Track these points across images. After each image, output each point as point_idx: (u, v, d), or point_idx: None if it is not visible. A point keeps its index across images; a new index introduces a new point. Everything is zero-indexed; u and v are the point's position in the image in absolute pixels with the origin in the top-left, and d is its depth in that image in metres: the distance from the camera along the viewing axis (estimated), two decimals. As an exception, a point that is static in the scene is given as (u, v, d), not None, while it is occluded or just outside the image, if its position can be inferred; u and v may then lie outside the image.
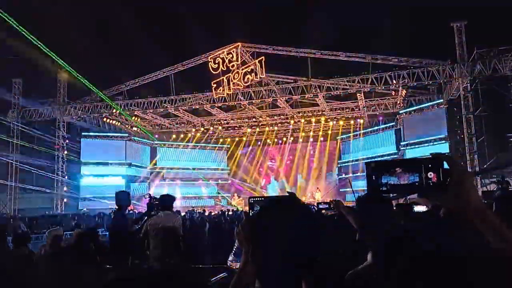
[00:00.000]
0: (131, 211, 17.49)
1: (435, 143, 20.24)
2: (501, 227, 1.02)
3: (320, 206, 4.85)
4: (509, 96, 17.73)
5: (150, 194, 6.25)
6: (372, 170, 1.15)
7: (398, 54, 19.12)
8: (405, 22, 22.13)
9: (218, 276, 3.59)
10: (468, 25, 17.84)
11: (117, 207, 6.17)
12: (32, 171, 22.46)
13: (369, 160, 1.21)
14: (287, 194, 1.37)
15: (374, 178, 1.14)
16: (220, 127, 27.23)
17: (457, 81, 17.98)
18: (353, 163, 26.33)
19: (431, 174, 1.08)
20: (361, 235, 2.99)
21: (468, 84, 17.91)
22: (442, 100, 20.22)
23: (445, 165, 1.08)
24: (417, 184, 1.10)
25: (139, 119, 25.24)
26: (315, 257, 1.16)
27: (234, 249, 2.70)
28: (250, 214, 1.84)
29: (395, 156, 22.87)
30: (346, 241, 3.24)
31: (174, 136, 28.92)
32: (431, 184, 1.08)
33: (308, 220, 1.21)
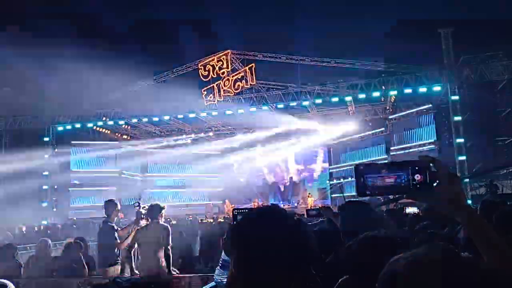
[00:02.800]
0: (122, 219, 17.35)
1: (424, 147, 20.42)
2: (487, 230, 1.04)
3: (310, 213, 4.85)
4: (496, 100, 17.99)
5: (139, 203, 6.22)
6: (360, 172, 1.17)
7: (386, 60, 19.35)
8: (394, 29, 22.41)
9: (206, 286, 3.57)
10: (454, 33, 18.10)
11: (106, 216, 6.14)
12: (21, 180, 22.16)
13: (358, 162, 1.24)
14: (271, 205, 1.38)
15: (362, 180, 1.16)
16: (211, 134, 27.19)
17: (445, 86, 18.20)
18: (344, 168, 26.44)
19: (417, 176, 1.11)
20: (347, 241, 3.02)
21: (456, 89, 18.13)
22: (430, 106, 20.43)
23: (433, 168, 1.10)
24: (402, 185, 1.12)
25: (129, 127, 25.10)
26: (299, 265, 1.17)
27: (220, 262, 2.67)
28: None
29: (385, 161, 23.02)
30: (333, 249, 3.25)
31: (164, 143, 28.77)
32: (417, 185, 1.11)
33: (292, 228, 1.22)
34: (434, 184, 1.09)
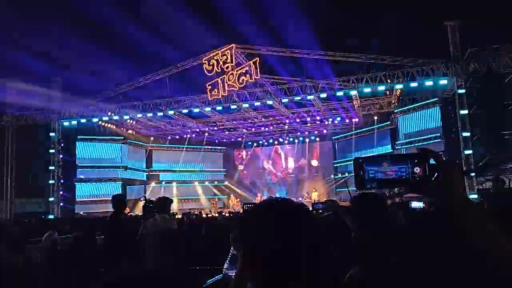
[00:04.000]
0: (129, 214, 17.47)
1: (430, 141, 20.33)
2: (484, 224, 1.04)
3: (316, 207, 4.86)
4: (504, 93, 17.82)
5: (145, 197, 6.24)
6: (359, 165, 1.17)
7: (392, 53, 19.20)
8: (399, 22, 22.23)
9: (213, 279, 3.59)
10: (461, 24, 17.93)
11: (113, 211, 6.16)
12: (27, 175, 22.35)
13: (357, 156, 1.24)
14: (279, 197, 1.37)
15: (362, 173, 1.16)
16: (215, 129, 27.21)
17: (451, 79, 18.07)
18: (349, 163, 26.39)
19: (417, 169, 1.11)
20: (356, 235, 3.00)
21: (462, 83, 18.00)
22: (436, 99, 20.31)
23: (432, 161, 1.10)
24: (402, 178, 1.12)
25: (134, 122, 25.19)
26: (309, 257, 1.16)
27: (229, 257, 2.68)
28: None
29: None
30: (340, 242, 3.25)
31: (169, 138, 28.87)
32: (417, 178, 1.11)
33: (302, 220, 1.21)
34: (433, 177, 1.09)
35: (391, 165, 1.14)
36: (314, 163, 28.72)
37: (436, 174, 1.08)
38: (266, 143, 29.76)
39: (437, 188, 1.07)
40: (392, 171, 1.14)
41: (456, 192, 1.06)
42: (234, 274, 1.56)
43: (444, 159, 1.11)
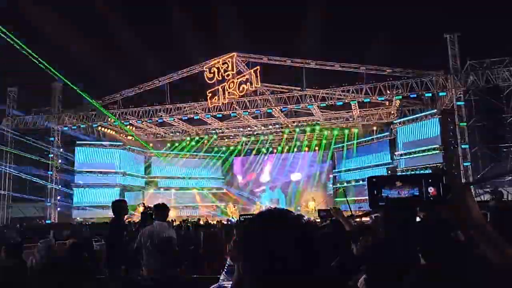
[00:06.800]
0: (127, 220, 17.38)
1: (429, 152, 20.33)
2: (499, 241, 1.05)
3: (321, 214, 4.81)
4: (502, 106, 17.90)
5: (144, 204, 6.21)
6: (373, 184, 1.17)
7: (392, 64, 19.30)
8: (399, 33, 22.37)
9: (211, 287, 3.57)
10: (461, 37, 18.07)
11: (114, 216, 6.09)
12: (25, 180, 22.30)
13: (371, 175, 1.24)
14: (276, 208, 1.37)
15: (375, 192, 1.16)
16: (215, 136, 27.21)
17: (451, 91, 18.15)
18: (348, 172, 26.36)
19: (431, 189, 1.11)
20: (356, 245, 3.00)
21: (461, 95, 18.08)
22: (435, 110, 20.36)
23: (445, 181, 1.11)
24: (416, 198, 1.13)
25: (134, 128, 25.17)
26: (306, 269, 1.16)
27: (225, 267, 2.66)
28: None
29: (389, 165, 22.98)
30: (340, 252, 3.25)
31: (169, 145, 28.83)
32: (431, 198, 1.11)
33: (299, 232, 1.20)
34: (447, 197, 1.10)
35: (405, 184, 1.14)
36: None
37: (450, 194, 1.09)
38: (265, 151, 29.69)
39: (451, 208, 1.07)
40: (405, 190, 1.14)
41: (469, 211, 1.06)
42: (230, 285, 1.54)
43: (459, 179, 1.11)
